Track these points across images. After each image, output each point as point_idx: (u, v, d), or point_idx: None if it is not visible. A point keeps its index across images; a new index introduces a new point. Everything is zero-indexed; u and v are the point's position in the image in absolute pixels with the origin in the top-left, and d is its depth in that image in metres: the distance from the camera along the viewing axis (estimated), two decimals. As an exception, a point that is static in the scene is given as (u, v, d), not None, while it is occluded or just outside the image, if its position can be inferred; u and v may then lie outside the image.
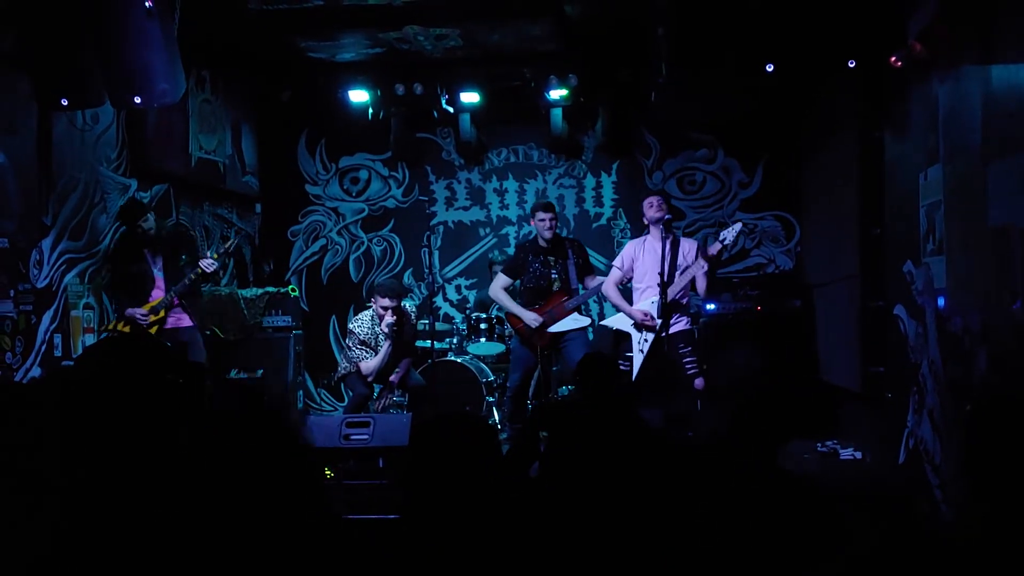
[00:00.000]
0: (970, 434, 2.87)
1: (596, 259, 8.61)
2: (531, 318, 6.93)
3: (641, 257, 6.61)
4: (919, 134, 5.26)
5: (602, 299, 9.19)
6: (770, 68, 5.60)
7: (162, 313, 6.58)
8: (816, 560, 2.70)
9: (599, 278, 7.08)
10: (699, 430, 6.24)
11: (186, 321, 6.73)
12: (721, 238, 6.24)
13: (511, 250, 9.28)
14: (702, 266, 6.31)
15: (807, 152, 8.44)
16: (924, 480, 5.11)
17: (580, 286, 7.01)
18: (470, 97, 8.75)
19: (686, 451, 4.04)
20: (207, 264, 6.61)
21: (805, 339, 7.80)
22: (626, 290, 6.90)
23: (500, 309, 7.77)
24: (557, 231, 7.12)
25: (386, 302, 6.91)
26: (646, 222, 6.64)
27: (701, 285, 6.46)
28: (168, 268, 6.67)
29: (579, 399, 4.69)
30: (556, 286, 7.01)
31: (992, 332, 4.29)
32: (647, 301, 6.50)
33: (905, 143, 5.61)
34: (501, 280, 7.22)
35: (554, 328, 6.93)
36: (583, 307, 7.23)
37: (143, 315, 6.54)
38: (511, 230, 9.40)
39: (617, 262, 6.78)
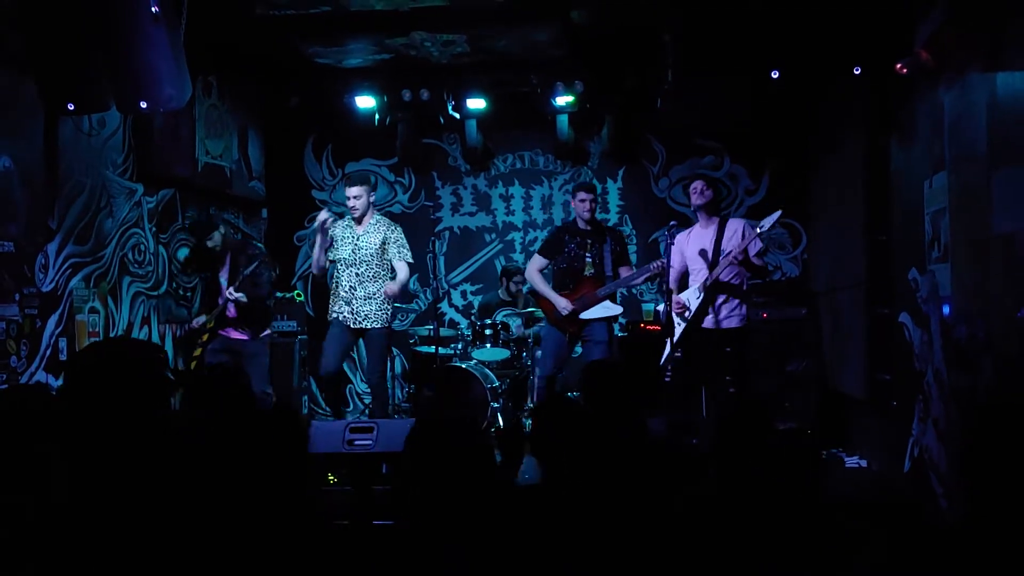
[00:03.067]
0: (972, 439, 2.84)
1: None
2: (562, 305, 6.78)
3: (687, 246, 6.46)
4: (925, 141, 5.24)
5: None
6: (775, 74, 5.60)
7: (211, 323, 6.81)
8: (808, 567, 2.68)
9: (633, 270, 6.96)
10: (704, 438, 6.21)
11: (235, 334, 6.88)
12: (760, 227, 6.09)
13: (517, 256, 9.28)
14: (738, 255, 6.08)
15: (814, 159, 8.42)
16: (929, 489, 5.09)
17: (612, 274, 6.85)
18: (476, 103, 8.75)
19: (687, 459, 4.02)
20: (230, 293, 6.72)
21: (812, 347, 7.77)
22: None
23: (521, 305, 7.75)
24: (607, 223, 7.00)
25: (355, 191, 6.79)
26: (694, 202, 6.42)
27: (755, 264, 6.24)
28: (231, 277, 6.82)
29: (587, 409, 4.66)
30: (589, 271, 6.83)
31: (997, 340, 4.26)
32: (691, 289, 6.36)
33: (911, 150, 5.60)
34: (537, 261, 7.06)
35: (585, 315, 6.79)
36: (616, 296, 7.11)
37: (198, 322, 6.87)
38: (517, 236, 9.40)
39: (670, 261, 6.49)
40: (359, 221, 6.77)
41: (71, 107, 5.93)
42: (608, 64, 8.49)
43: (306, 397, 8.51)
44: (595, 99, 8.74)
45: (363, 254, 6.71)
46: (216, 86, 8.38)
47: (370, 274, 6.69)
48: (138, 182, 7.42)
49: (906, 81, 5.45)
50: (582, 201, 6.87)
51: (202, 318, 6.88)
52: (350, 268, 6.73)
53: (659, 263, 6.64)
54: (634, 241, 9.10)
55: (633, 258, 6.83)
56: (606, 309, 6.82)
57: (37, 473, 2.37)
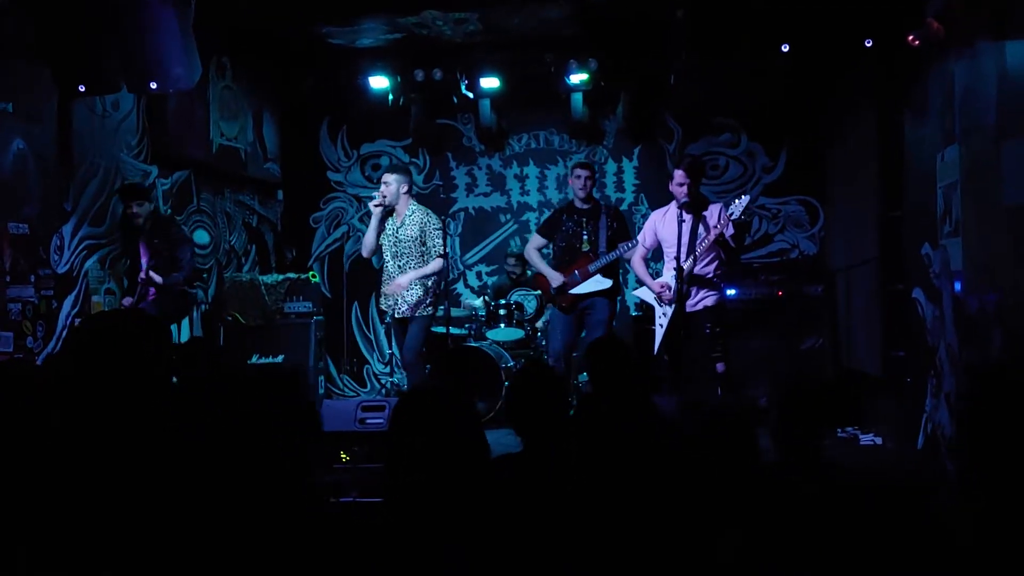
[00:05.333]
0: (971, 409, 2.79)
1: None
2: (553, 276, 6.92)
3: (663, 228, 6.43)
4: (936, 114, 5.17)
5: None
6: (785, 48, 5.54)
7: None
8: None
9: (629, 243, 6.91)
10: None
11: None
12: (729, 212, 6.02)
13: (531, 236, 9.27)
14: (714, 234, 5.99)
15: (830, 135, 8.34)
16: (941, 465, 5.05)
17: (607, 250, 6.89)
18: (490, 82, 8.70)
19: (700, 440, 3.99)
20: (151, 275, 6.56)
21: (827, 324, 7.73)
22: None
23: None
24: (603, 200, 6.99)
25: (389, 178, 6.64)
26: (669, 190, 6.35)
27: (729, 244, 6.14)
28: (153, 252, 6.63)
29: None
30: (585, 247, 6.93)
31: (1007, 313, 4.22)
32: (669, 273, 6.31)
33: (923, 124, 5.53)
34: (536, 240, 7.22)
35: (576, 290, 6.87)
36: (618, 269, 7.09)
37: (128, 303, 6.66)
38: (531, 216, 9.37)
39: (640, 237, 6.66)
40: (392, 211, 6.64)
41: (82, 88, 5.97)
42: (622, 42, 8.41)
43: (322, 377, 8.54)
44: (609, 77, 8.66)
45: (403, 246, 6.59)
46: (230, 68, 8.41)
47: (412, 265, 6.58)
48: (152, 164, 7.46)
49: (917, 54, 5.38)
50: (577, 178, 6.97)
51: (129, 299, 6.67)
52: (394, 259, 6.64)
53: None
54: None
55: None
56: (597, 283, 6.89)
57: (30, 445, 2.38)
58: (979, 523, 2.95)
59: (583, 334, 7.26)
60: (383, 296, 6.77)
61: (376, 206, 6.58)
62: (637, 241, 6.81)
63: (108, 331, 2.62)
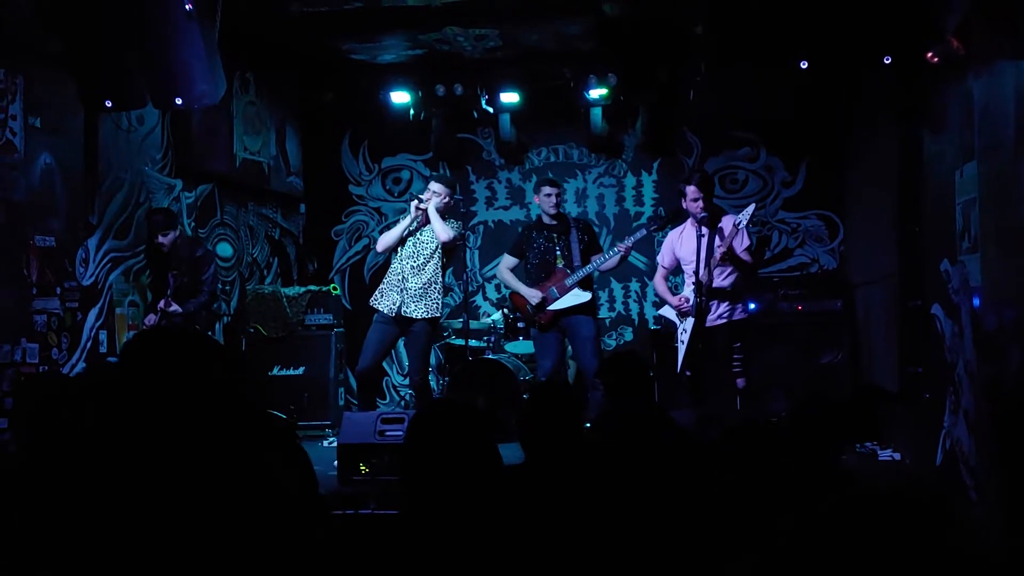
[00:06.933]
0: (1003, 433, 2.79)
1: (636, 258, 8.60)
2: (531, 294, 6.92)
3: (680, 247, 6.49)
4: (955, 130, 5.18)
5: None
6: (804, 65, 5.57)
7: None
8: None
9: (603, 256, 6.96)
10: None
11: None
12: (736, 222, 6.07)
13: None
14: (723, 251, 6.03)
15: (850, 150, 8.34)
16: (960, 481, 5.04)
17: (582, 263, 6.89)
18: (510, 97, 8.78)
19: (713, 449, 4.01)
20: (172, 308, 6.65)
21: (846, 339, 7.71)
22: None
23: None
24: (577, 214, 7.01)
25: (437, 187, 6.77)
26: (683, 207, 6.42)
27: (741, 259, 6.21)
28: (177, 283, 6.70)
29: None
30: (560, 263, 6.94)
31: (1026, 331, 4.21)
32: (689, 288, 6.34)
33: (942, 140, 5.54)
34: (507, 260, 7.22)
35: (555, 305, 6.86)
36: (593, 282, 7.09)
37: (150, 320, 6.74)
38: (551, 229, 9.39)
39: (659, 258, 6.72)
40: (426, 220, 6.67)
41: (109, 104, 6.07)
42: (641, 56, 8.46)
43: (342, 389, 8.61)
44: (629, 92, 8.71)
45: (423, 247, 6.69)
46: (254, 83, 8.51)
47: (428, 268, 6.66)
48: (177, 178, 7.56)
49: (937, 70, 5.39)
50: (547, 196, 6.99)
51: (152, 317, 6.73)
52: (407, 260, 6.68)
53: (625, 245, 6.75)
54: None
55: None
56: (576, 297, 6.87)
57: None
58: (1002, 537, 2.95)
59: (569, 352, 7.28)
60: (386, 293, 6.70)
61: (419, 208, 6.63)
62: (613, 254, 6.82)
63: (163, 349, 2.64)
